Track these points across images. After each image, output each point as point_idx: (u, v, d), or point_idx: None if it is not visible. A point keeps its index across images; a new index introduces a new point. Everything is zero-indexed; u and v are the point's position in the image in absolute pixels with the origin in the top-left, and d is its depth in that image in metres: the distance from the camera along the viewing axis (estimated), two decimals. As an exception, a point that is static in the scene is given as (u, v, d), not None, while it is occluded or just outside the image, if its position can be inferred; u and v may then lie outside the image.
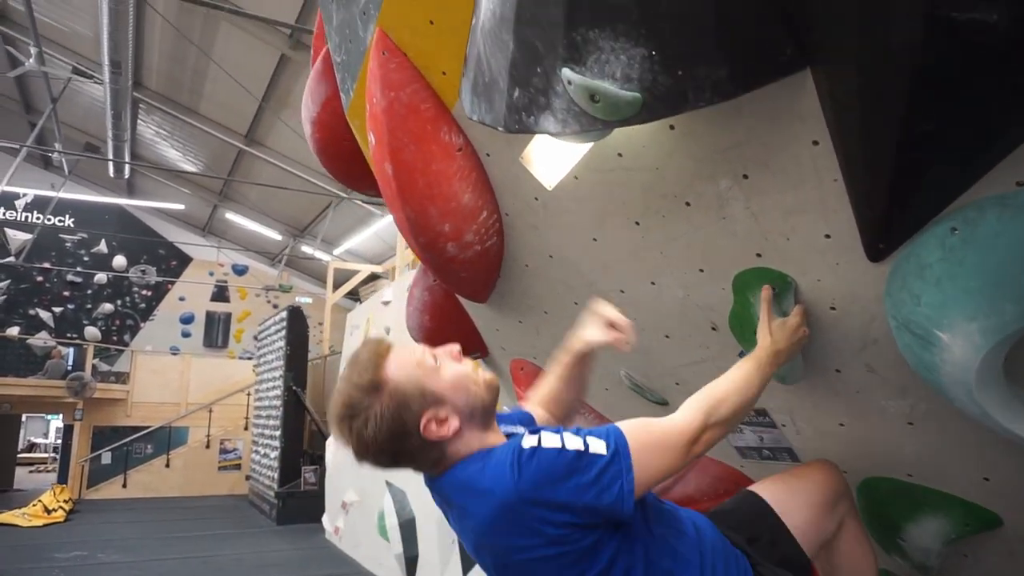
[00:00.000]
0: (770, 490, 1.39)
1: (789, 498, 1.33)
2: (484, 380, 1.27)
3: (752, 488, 1.44)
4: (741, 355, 1.57)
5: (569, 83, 1.13)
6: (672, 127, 1.26)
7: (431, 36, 1.50)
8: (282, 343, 11.50)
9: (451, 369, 1.25)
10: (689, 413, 1.21)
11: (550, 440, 1.13)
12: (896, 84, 0.90)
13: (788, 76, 1.04)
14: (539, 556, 1.12)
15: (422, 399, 1.20)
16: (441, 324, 2.36)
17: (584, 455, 1.11)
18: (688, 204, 1.38)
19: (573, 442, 1.13)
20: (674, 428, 1.19)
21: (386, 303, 8.43)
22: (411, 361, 1.24)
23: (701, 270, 1.49)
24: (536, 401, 1.54)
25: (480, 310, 2.26)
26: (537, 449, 1.12)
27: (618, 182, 1.45)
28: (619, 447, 1.13)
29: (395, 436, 1.19)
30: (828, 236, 1.22)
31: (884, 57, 0.88)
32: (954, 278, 1.04)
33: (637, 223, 1.51)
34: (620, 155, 1.39)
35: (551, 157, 1.55)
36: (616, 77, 1.08)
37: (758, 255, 1.36)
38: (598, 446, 1.13)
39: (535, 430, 1.19)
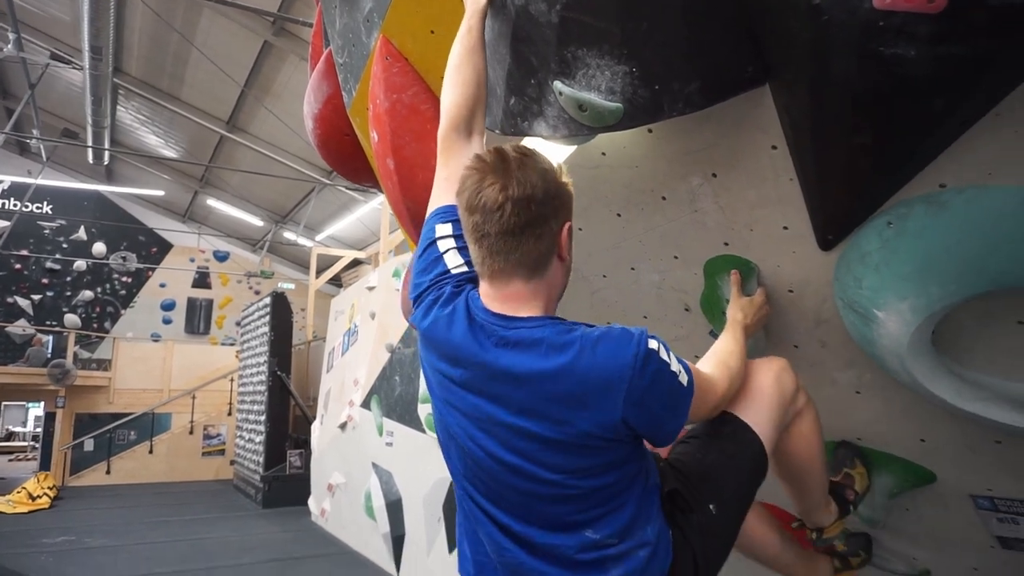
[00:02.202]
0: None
1: (747, 406, 1.40)
2: None
3: None
4: (712, 334, 1.75)
5: (560, 94, 1.28)
6: (650, 131, 1.42)
7: (432, 44, 1.65)
8: (266, 329, 11.56)
9: None
10: (720, 381, 1.32)
11: (665, 355, 1.14)
12: (839, 103, 1.07)
13: (750, 91, 1.21)
14: (587, 440, 1.11)
15: (570, 214, 1.22)
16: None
17: (682, 390, 1.16)
18: (664, 198, 1.55)
19: (677, 368, 1.16)
20: (714, 389, 1.30)
21: (371, 288, 8.54)
22: None
23: (675, 257, 1.66)
24: (454, 127, 1.41)
25: (472, 295, 2.41)
26: (659, 359, 1.12)
27: (601, 178, 1.61)
28: (690, 387, 1.18)
29: (558, 202, 1.18)
30: (786, 228, 1.39)
31: (829, 81, 1.05)
32: (889, 264, 1.22)
33: (618, 215, 1.67)
34: (604, 154, 1.56)
35: (541, 155, 1.70)
36: (601, 90, 1.24)
37: (725, 244, 1.53)
38: (684, 375, 1.16)
39: (653, 336, 1.16)
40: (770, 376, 1.43)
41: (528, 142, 1.65)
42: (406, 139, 1.75)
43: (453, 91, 1.41)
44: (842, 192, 1.23)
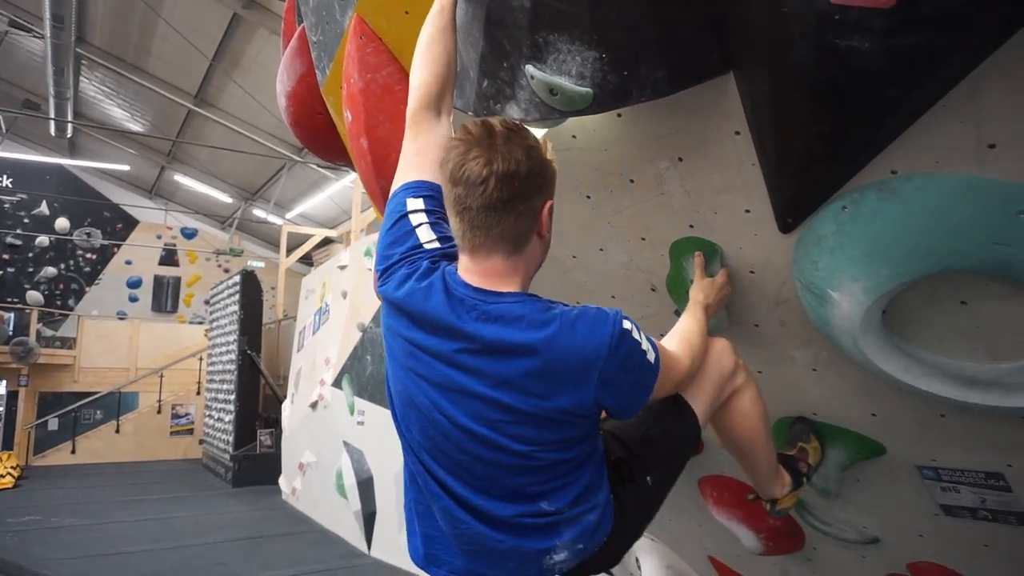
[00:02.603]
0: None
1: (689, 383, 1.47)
2: None
3: None
4: (676, 313, 1.81)
5: (532, 78, 1.31)
6: (619, 116, 1.46)
7: (406, 25, 1.66)
8: (236, 307, 11.46)
9: None
10: (684, 360, 1.38)
11: (637, 335, 1.19)
12: (797, 93, 1.12)
13: (715, 79, 1.25)
14: (560, 416, 1.16)
15: (552, 191, 1.23)
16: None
17: (650, 367, 1.21)
18: (632, 181, 1.59)
19: (647, 347, 1.21)
20: (678, 367, 1.35)
21: (343, 267, 8.50)
22: None
23: (643, 238, 1.71)
24: (424, 105, 1.41)
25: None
26: (632, 339, 1.17)
27: (572, 161, 1.64)
28: (657, 365, 1.23)
29: (539, 185, 1.18)
30: (748, 211, 1.44)
31: (788, 71, 1.10)
32: (843, 247, 1.28)
33: (588, 197, 1.71)
34: (574, 137, 1.59)
35: (514, 137, 1.73)
36: (572, 75, 1.27)
37: (691, 226, 1.58)
38: (652, 354, 1.22)
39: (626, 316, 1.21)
40: (712, 355, 1.51)
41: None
42: (380, 119, 1.76)
43: (423, 69, 1.42)
44: (800, 177, 1.28)
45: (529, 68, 1.31)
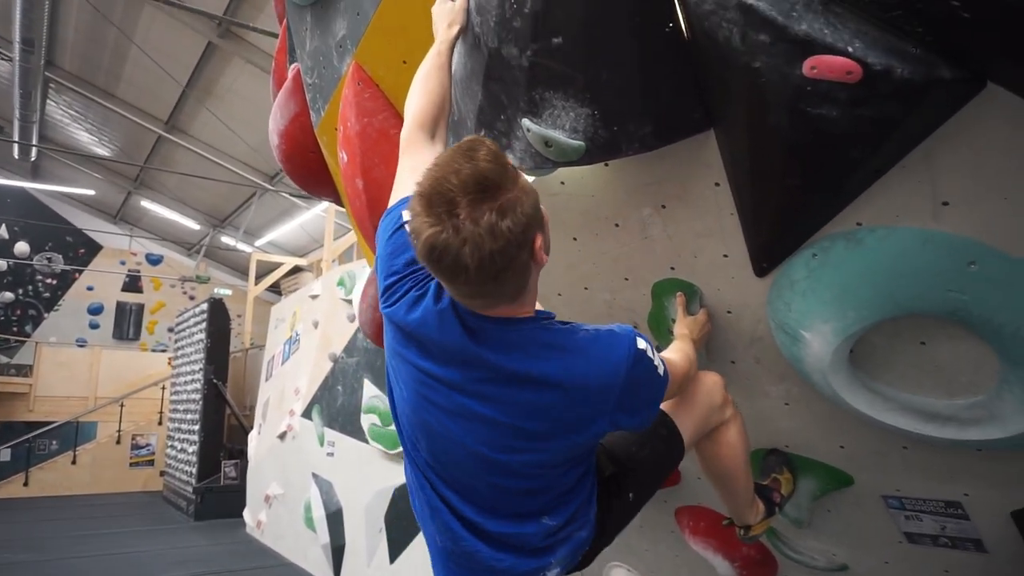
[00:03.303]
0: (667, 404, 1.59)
1: (678, 408, 1.55)
2: None
3: None
4: (657, 349, 1.90)
5: (528, 130, 1.41)
6: (607, 165, 1.56)
7: (403, 73, 1.75)
8: (202, 335, 11.27)
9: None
10: (682, 364, 1.45)
11: (651, 352, 1.24)
12: (772, 150, 1.23)
13: (697, 134, 1.36)
14: (576, 439, 1.21)
15: (539, 214, 1.11)
16: (392, 320, 2.59)
17: (661, 381, 1.26)
18: (617, 225, 1.69)
19: (658, 361, 1.26)
20: (679, 371, 1.41)
21: (314, 297, 8.47)
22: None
23: (626, 279, 1.80)
24: (419, 126, 1.45)
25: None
26: (647, 358, 1.22)
27: (560, 205, 1.74)
28: (667, 376, 1.29)
29: (523, 239, 1.06)
30: (726, 256, 1.54)
31: (764, 131, 1.20)
32: (814, 291, 1.39)
33: (575, 239, 1.80)
34: (563, 183, 1.68)
35: (504, 180, 1.82)
36: (566, 129, 1.37)
37: (672, 268, 1.68)
38: (661, 367, 1.27)
39: (647, 340, 1.25)
40: (704, 388, 1.60)
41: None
42: (375, 161, 1.84)
43: (419, 98, 1.48)
44: (775, 226, 1.39)
45: (525, 121, 1.40)
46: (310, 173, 2.37)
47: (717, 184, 1.43)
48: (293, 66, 2.43)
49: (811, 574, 2.11)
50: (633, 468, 1.49)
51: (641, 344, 1.23)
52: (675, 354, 1.49)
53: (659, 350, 1.86)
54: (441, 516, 1.28)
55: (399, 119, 1.84)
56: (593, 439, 1.27)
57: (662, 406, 1.48)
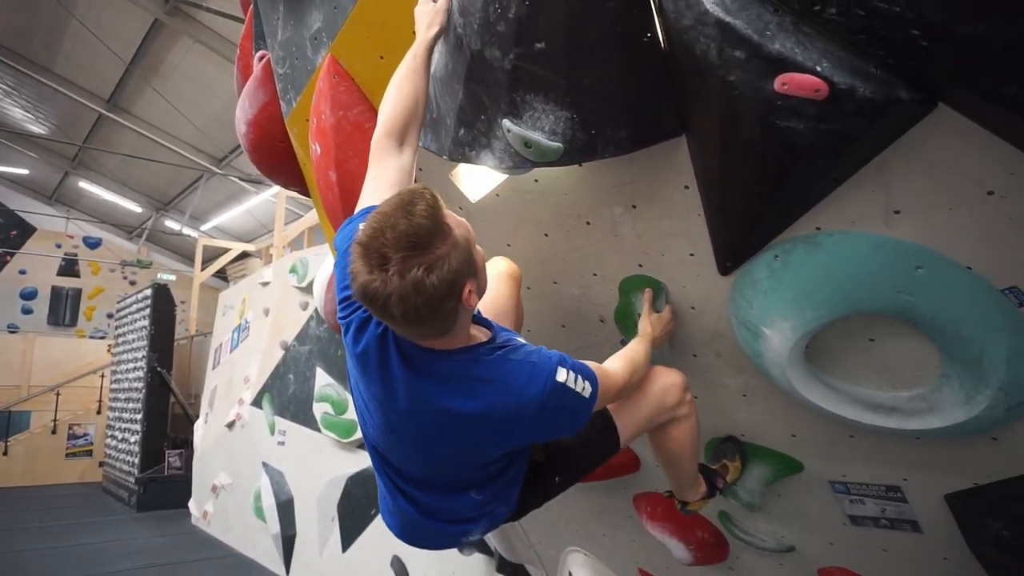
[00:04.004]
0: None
1: (622, 406, 1.64)
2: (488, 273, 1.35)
3: None
4: (623, 342, 1.98)
5: (508, 131, 1.45)
6: (580, 165, 1.61)
7: (381, 68, 1.76)
8: (145, 322, 10.94)
9: (479, 250, 1.27)
10: (622, 375, 1.52)
11: (572, 381, 1.30)
12: (741, 159, 1.30)
13: (670, 140, 1.42)
14: (505, 452, 1.40)
15: (471, 264, 1.21)
16: (358, 311, 2.60)
17: (585, 402, 1.33)
18: (588, 223, 1.75)
19: (582, 386, 1.32)
20: (616, 385, 1.50)
21: (265, 284, 8.33)
22: (462, 222, 1.23)
23: (595, 274, 1.87)
24: (388, 134, 1.50)
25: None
26: (564, 389, 1.29)
27: (533, 202, 1.79)
28: (593, 397, 1.35)
29: (449, 292, 1.15)
30: (692, 255, 1.62)
31: (735, 141, 1.28)
32: (775, 290, 1.48)
33: (546, 235, 1.86)
34: (537, 181, 1.73)
35: (477, 177, 1.86)
36: (545, 130, 1.42)
37: (640, 265, 1.75)
38: (588, 389, 1.34)
39: (571, 366, 1.32)
40: (657, 388, 1.69)
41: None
42: (349, 154, 1.86)
43: (392, 103, 1.53)
44: (740, 228, 1.47)
45: (506, 122, 1.44)
46: (277, 163, 2.36)
47: (686, 187, 1.51)
48: (260, 53, 2.41)
49: (760, 555, 2.23)
50: (563, 456, 1.60)
51: (561, 376, 1.29)
52: (619, 362, 1.56)
53: (624, 344, 1.94)
54: (387, 483, 1.48)
55: (374, 113, 1.85)
56: (520, 448, 1.44)
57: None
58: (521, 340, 1.39)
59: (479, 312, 1.42)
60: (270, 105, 2.21)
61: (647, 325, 1.74)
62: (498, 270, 1.79)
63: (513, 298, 1.77)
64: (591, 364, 1.43)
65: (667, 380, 1.70)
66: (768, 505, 2.02)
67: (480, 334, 1.36)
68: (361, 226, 1.16)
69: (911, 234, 1.29)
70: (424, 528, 1.49)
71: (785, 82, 1.14)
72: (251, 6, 2.46)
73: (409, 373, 1.28)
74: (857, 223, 1.33)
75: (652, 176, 1.55)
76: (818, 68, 1.11)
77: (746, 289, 1.54)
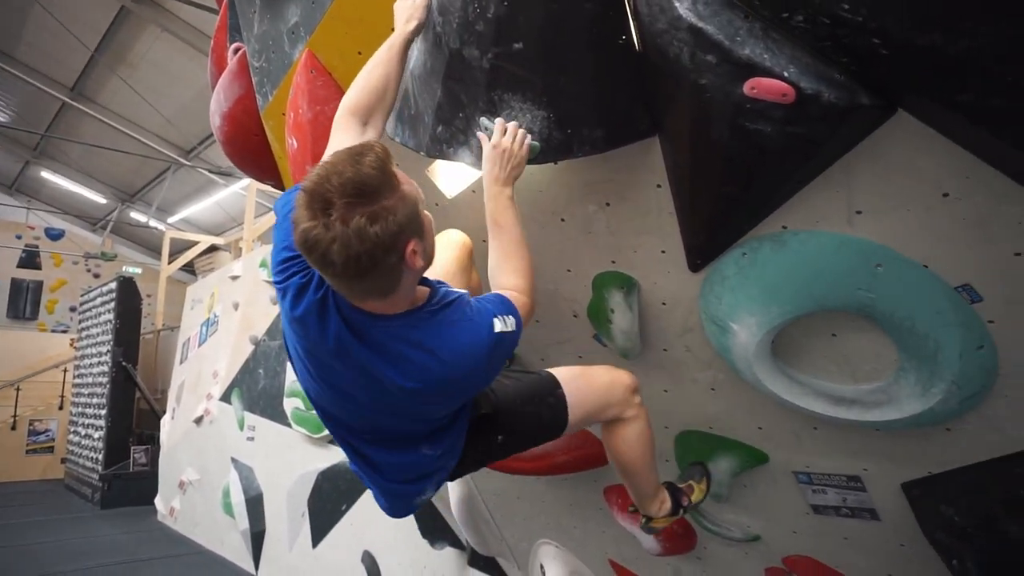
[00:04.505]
0: (566, 378, 1.69)
1: (574, 391, 1.67)
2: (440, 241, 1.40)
3: (555, 371, 1.73)
4: (595, 338, 2.02)
5: (485, 129, 1.47)
6: (555, 163, 1.65)
7: (359, 63, 1.76)
8: (110, 316, 10.72)
9: (428, 215, 1.26)
10: (529, 295, 1.51)
11: (503, 324, 1.32)
12: (712, 159, 1.35)
13: (643, 140, 1.46)
14: (447, 405, 1.41)
15: (417, 223, 1.20)
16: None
17: (515, 335, 1.36)
18: (563, 220, 1.78)
19: (511, 323, 1.34)
20: (530, 309, 1.51)
21: (235, 278, 8.23)
22: (412, 181, 1.22)
23: (568, 270, 1.90)
24: (352, 111, 1.51)
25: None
26: (502, 336, 1.31)
27: (509, 198, 1.81)
28: (519, 325, 1.38)
29: (391, 244, 1.14)
30: (663, 252, 1.67)
31: (705, 142, 1.32)
32: (743, 287, 1.53)
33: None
34: (513, 178, 1.76)
35: (454, 174, 1.89)
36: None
37: (613, 262, 1.79)
38: (511, 320, 1.35)
39: (495, 310, 1.34)
40: (606, 381, 1.72)
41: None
42: (326, 148, 1.86)
43: (361, 84, 1.54)
44: (710, 226, 1.51)
45: (483, 120, 1.47)
46: (252, 156, 2.35)
47: (659, 186, 1.55)
48: (235, 46, 2.39)
49: (727, 545, 2.29)
50: (510, 419, 1.61)
51: (497, 326, 1.32)
52: (517, 280, 1.51)
53: (597, 339, 1.98)
54: (343, 444, 1.51)
55: (352, 108, 1.87)
56: (464, 403, 1.47)
57: (562, 379, 1.66)
58: (458, 292, 1.37)
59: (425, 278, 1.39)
60: (245, 98, 2.20)
61: (490, 168, 1.48)
62: (448, 238, 1.78)
63: (460, 262, 1.74)
64: (502, 294, 1.43)
65: (616, 376, 1.73)
66: (735, 496, 2.08)
67: (421, 296, 1.34)
68: (308, 174, 1.15)
69: (872, 234, 1.34)
70: (381, 484, 1.52)
71: (754, 86, 1.18)
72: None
73: (351, 338, 1.25)
74: (821, 223, 1.39)
75: (626, 175, 1.59)
76: (786, 73, 1.15)
77: (715, 286, 1.58)
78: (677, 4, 1.21)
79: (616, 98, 1.40)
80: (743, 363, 1.62)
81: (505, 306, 1.38)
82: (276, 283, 1.34)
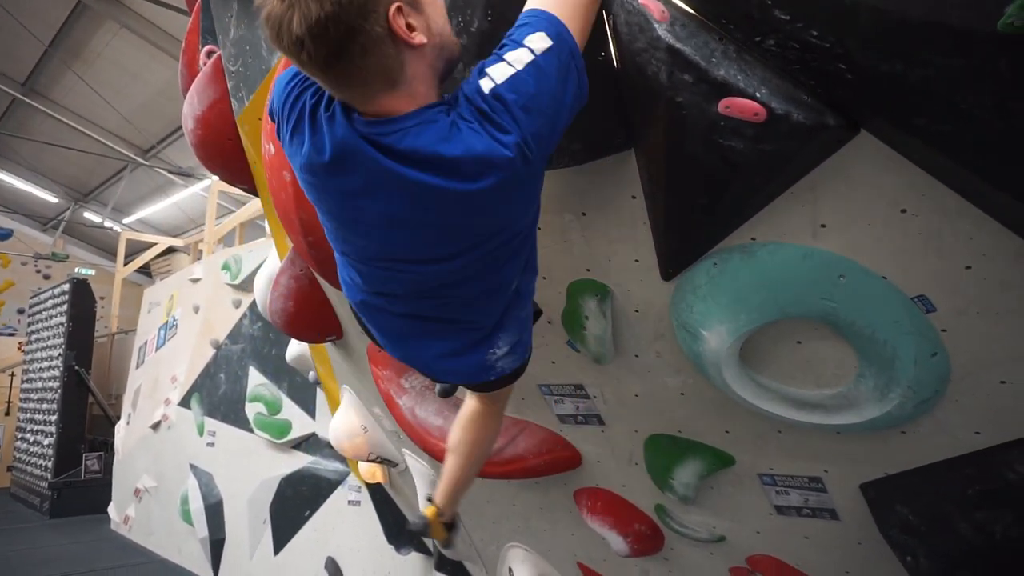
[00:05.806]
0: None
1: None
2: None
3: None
4: (568, 343, 2.06)
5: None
6: (534, 173, 1.69)
7: (338, 71, 1.79)
8: (62, 319, 10.43)
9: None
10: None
11: (500, 71, 1.10)
12: (685, 173, 1.40)
13: (620, 152, 1.51)
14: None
15: None
16: (304, 309, 2.60)
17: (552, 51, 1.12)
18: (539, 229, 1.82)
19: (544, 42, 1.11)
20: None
21: (195, 280, 8.09)
22: None
23: (544, 277, 1.94)
24: None
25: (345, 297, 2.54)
26: (544, 52, 1.10)
27: (486, 206, 1.85)
28: (561, 34, 1.13)
29: (361, 4, 0.98)
30: (637, 260, 1.72)
31: (680, 156, 1.38)
32: (713, 295, 1.59)
33: (497, 238, 1.92)
34: (490, 187, 1.80)
35: (432, 181, 1.91)
36: (503, 140, 1.48)
37: (587, 270, 1.84)
38: (540, 41, 1.11)
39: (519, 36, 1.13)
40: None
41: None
42: (304, 154, 1.87)
43: None
44: (682, 237, 1.57)
45: (465, 131, 1.50)
46: (225, 160, 2.34)
47: (634, 197, 1.60)
48: (207, 48, 2.38)
49: (693, 545, 2.36)
50: None
51: (534, 44, 1.11)
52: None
53: (571, 345, 2.02)
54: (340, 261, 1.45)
55: (331, 115, 1.88)
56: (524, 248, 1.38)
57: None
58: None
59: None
60: (220, 102, 2.19)
61: None
62: None
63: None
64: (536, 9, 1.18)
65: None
66: (701, 498, 2.15)
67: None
68: None
69: (835, 246, 1.41)
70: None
71: (728, 105, 1.24)
72: (198, 1, 2.43)
73: (372, 154, 1.08)
74: (788, 235, 1.45)
75: (601, 186, 1.64)
76: (757, 94, 1.21)
77: (687, 294, 1.64)
78: (656, 25, 1.27)
79: (594, 113, 1.45)
80: (713, 369, 1.68)
81: (528, 27, 1.14)
82: (289, 155, 1.22)
